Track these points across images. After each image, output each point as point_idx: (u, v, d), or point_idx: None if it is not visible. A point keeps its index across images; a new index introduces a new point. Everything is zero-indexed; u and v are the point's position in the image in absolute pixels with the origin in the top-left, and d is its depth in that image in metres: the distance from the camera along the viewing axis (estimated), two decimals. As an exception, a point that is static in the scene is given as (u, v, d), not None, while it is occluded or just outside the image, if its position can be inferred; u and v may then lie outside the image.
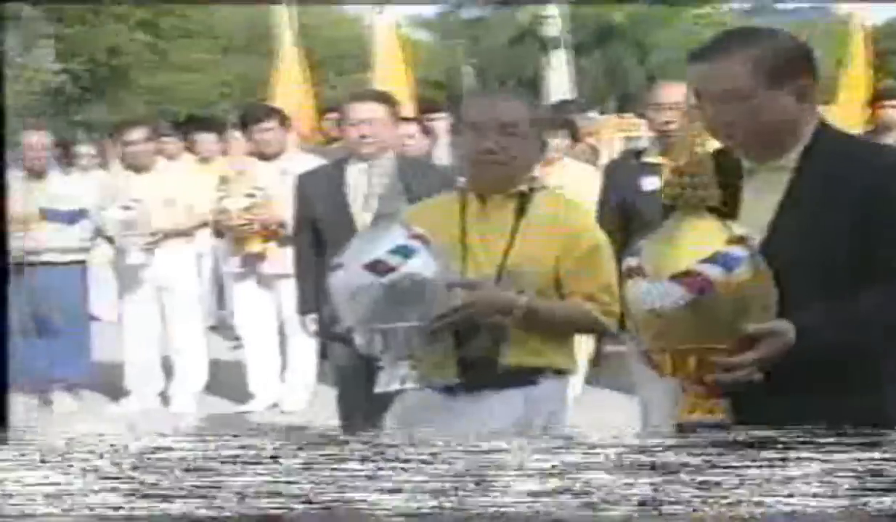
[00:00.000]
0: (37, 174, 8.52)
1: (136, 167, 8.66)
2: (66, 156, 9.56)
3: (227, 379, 8.77)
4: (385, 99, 6.01)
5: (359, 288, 3.25)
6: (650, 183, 5.34)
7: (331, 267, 3.39)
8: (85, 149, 11.87)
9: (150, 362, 8.67)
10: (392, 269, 3.22)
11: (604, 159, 9.25)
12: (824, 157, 2.90)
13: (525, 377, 3.59)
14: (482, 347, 3.53)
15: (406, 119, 7.36)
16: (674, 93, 5.64)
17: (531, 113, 3.68)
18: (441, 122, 9.02)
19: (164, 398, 8.65)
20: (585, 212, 4.09)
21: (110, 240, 8.61)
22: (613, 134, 10.07)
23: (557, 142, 7.73)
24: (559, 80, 24.00)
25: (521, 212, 3.63)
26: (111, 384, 8.75)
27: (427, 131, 8.20)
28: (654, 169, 5.44)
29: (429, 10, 40.62)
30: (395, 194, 3.69)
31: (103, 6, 29.88)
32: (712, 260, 2.63)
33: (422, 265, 3.25)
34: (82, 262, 8.81)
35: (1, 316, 1.66)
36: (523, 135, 3.63)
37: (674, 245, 2.70)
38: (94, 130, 21.66)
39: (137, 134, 8.83)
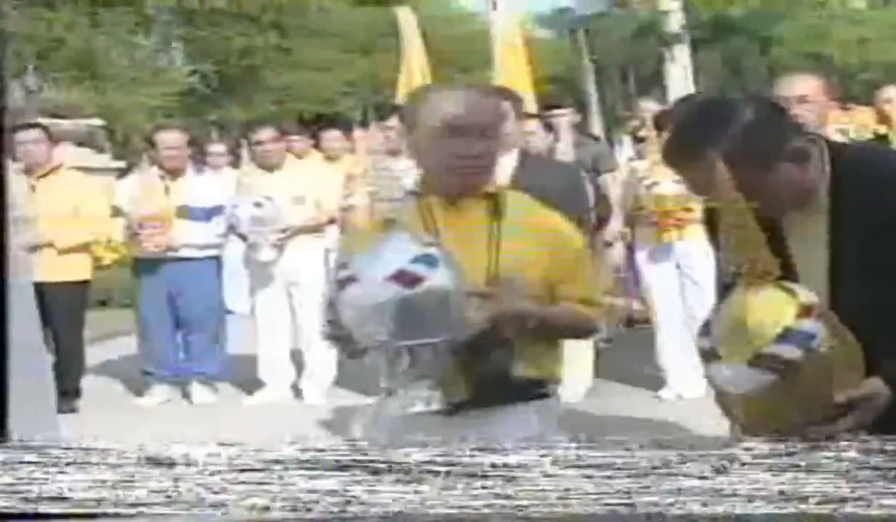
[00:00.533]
0: (172, 173, 8.65)
1: (267, 165, 8.83)
2: (199, 155, 9.68)
3: (354, 372, 8.86)
4: (507, 95, 5.87)
5: (383, 302, 2.94)
6: None
7: (340, 281, 3.09)
8: (217, 148, 12.05)
9: (281, 355, 8.80)
10: (419, 280, 2.93)
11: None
12: (850, 182, 2.78)
13: (535, 390, 3.38)
14: (496, 361, 3.25)
15: (528, 115, 7.35)
16: (797, 86, 5.45)
17: (515, 111, 3.39)
18: (563, 118, 9.03)
19: (297, 390, 8.75)
20: (556, 215, 3.68)
21: (243, 236, 8.72)
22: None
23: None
24: (680, 74, 23.71)
25: (496, 214, 3.33)
26: (246, 376, 8.88)
27: (549, 127, 8.20)
28: None
29: (549, 7, 40.50)
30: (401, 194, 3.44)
31: (232, 7, 30.24)
32: (786, 339, 2.48)
33: (445, 275, 2.97)
34: (217, 258, 8.92)
35: (1, 323, 1.52)
36: (503, 136, 3.43)
37: (744, 323, 2.55)
38: (226, 129, 21.96)
39: (267, 133, 9.05)
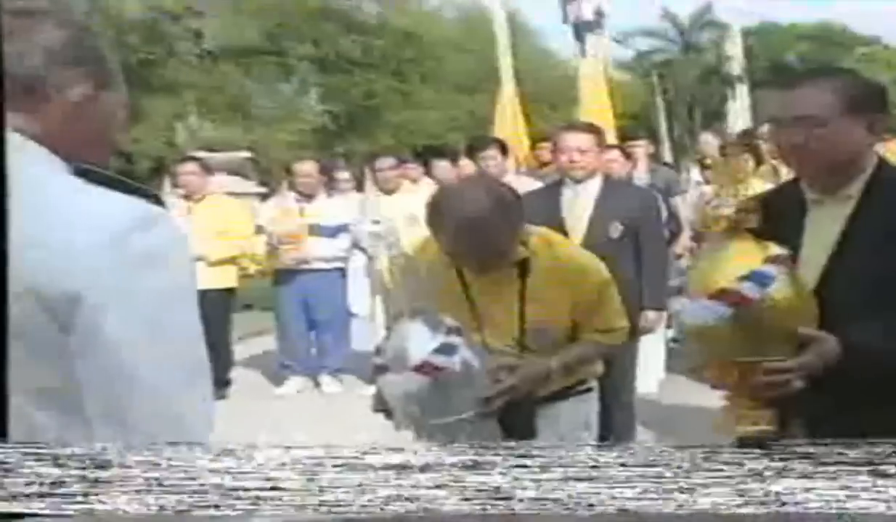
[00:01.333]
0: (306, 197, 8.68)
1: (385, 189, 8.87)
2: (329, 182, 9.74)
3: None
4: (592, 129, 5.84)
5: (411, 390, 2.92)
6: None
7: (376, 368, 3.07)
8: (344, 176, 12.08)
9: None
10: (440, 369, 2.89)
11: (783, 177, 8.93)
12: (885, 188, 2.66)
13: (576, 388, 3.40)
14: (526, 407, 3.19)
15: (610, 146, 7.26)
16: None
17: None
18: (639, 149, 8.93)
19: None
20: (580, 252, 3.63)
21: (364, 249, 8.84)
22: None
23: (744, 164, 7.61)
24: (740, 111, 23.37)
25: (523, 273, 3.22)
26: (367, 369, 8.84)
27: (627, 156, 8.16)
28: None
29: (627, 53, 40.24)
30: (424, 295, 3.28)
31: (360, 57, 30.49)
32: (748, 277, 2.43)
33: (465, 358, 2.92)
34: (342, 268, 8.93)
35: (1, 325, 1.48)
36: (514, 222, 3.16)
37: (714, 265, 2.53)
38: (351, 160, 22.09)
39: (386, 162, 9.09)
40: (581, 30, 14.07)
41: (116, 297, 1.51)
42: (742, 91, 21.22)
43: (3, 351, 1.55)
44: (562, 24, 14.68)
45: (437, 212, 3.14)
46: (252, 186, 18.12)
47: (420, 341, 2.94)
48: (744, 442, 2.35)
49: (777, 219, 2.71)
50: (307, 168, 8.91)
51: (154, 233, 1.55)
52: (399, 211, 8.49)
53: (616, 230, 5.47)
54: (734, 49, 21.69)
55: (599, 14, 14.47)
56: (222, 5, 28.10)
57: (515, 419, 3.12)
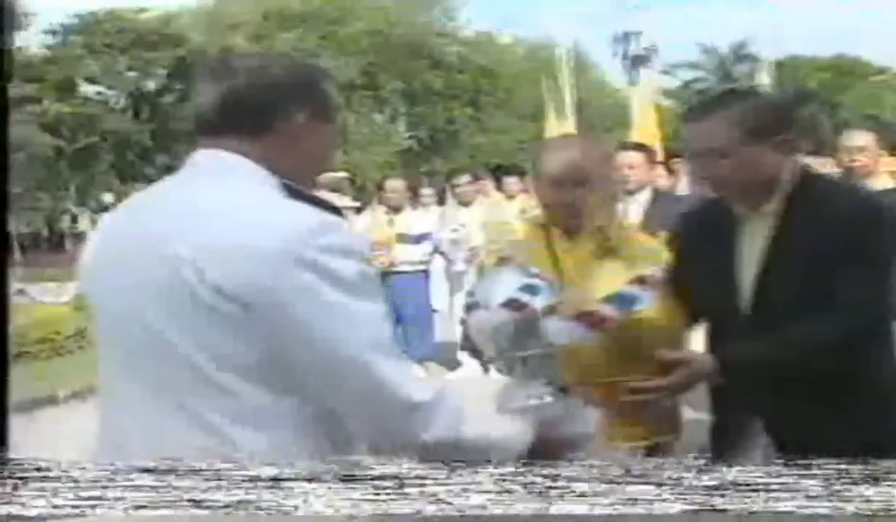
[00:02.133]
0: (395, 210, 8.66)
1: (463, 202, 9.03)
2: (414, 197, 9.72)
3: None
4: (642, 148, 5.86)
5: (498, 324, 2.78)
6: None
7: (467, 307, 2.98)
8: (427, 192, 12.03)
9: (473, 341, 8.72)
10: (524, 306, 2.75)
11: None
12: (804, 202, 2.36)
13: None
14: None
15: (658, 162, 7.12)
16: (857, 138, 5.52)
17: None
18: (682, 165, 8.76)
19: (486, 368, 8.61)
20: (649, 238, 3.52)
21: (444, 254, 8.89)
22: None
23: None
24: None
25: (605, 241, 3.00)
26: (448, 359, 8.76)
27: (671, 170, 8.10)
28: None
29: (673, 83, 39.81)
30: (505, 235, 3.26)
31: (442, 90, 30.55)
32: (611, 299, 2.32)
33: (547, 299, 2.75)
34: (426, 271, 8.90)
35: (2, 333, 1.61)
36: (598, 183, 3.00)
37: (584, 286, 2.42)
38: (433, 177, 22.05)
39: (464, 178, 9.34)
40: (633, 63, 13.87)
41: (307, 290, 1.52)
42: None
43: (5, 366, 1.61)
44: (615, 59, 14.49)
45: (546, 165, 3.01)
46: (348, 201, 18.15)
47: (508, 281, 2.81)
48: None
49: (712, 230, 2.52)
50: (396, 185, 8.94)
51: (334, 236, 1.56)
52: (474, 220, 8.57)
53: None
54: (765, 78, 21.32)
55: (649, 49, 14.28)
56: (328, 47, 28.32)
57: None
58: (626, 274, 2.59)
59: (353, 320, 1.55)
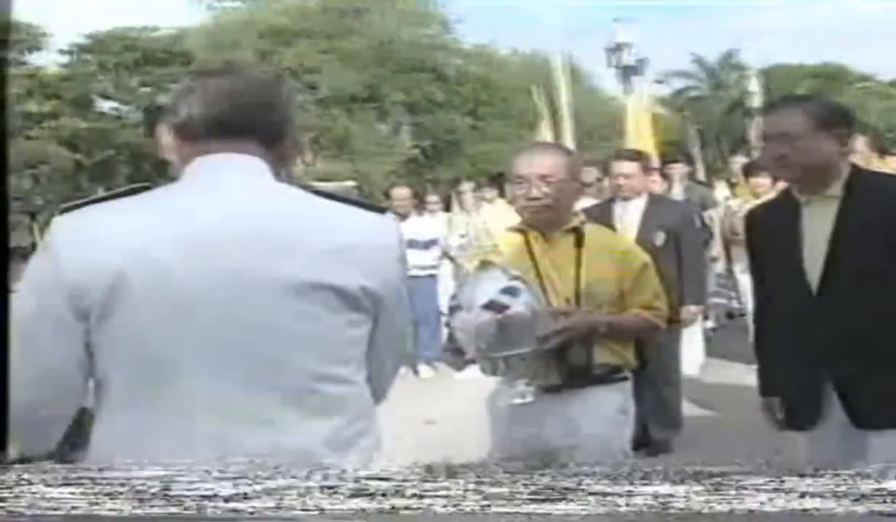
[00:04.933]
0: (402, 216, 8.68)
1: (467, 209, 9.12)
2: (420, 204, 9.77)
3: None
4: (637, 156, 5.93)
5: (480, 325, 2.89)
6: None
7: (450, 309, 3.08)
8: (432, 198, 12.09)
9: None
10: (505, 307, 2.88)
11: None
12: (861, 191, 2.72)
13: (614, 375, 3.20)
14: (578, 353, 3.11)
15: (652, 169, 7.20)
16: (859, 144, 5.56)
17: (565, 162, 3.18)
18: (676, 170, 8.86)
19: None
20: (627, 238, 3.70)
21: (451, 259, 8.91)
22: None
23: (763, 181, 7.56)
24: (761, 137, 23.05)
25: (579, 243, 3.18)
26: (457, 359, 8.83)
27: (665, 176, 8.17)
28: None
29: (666, 91, 39.82)
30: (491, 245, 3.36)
31: (443, 101, 30.57)
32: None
33: (526, 301, 2.90)
34: (434, 275, 8.94)
35: (2, 332, 1.57)
36: (559, 182, 3.13)
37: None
38: (437, 185, 22.16)
39: (466, 186, 9.48)
40: (626, 73, 13.96)
41: (395, 288, 1.75)
42: (762, 120, 20.95)
43: (4, 369, 1.54)
44: (609, 69, 14.56)
45: (516, 167, 3.20)
46: (358, 209, 18.22)
47: (489, 284, 2.94)
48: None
49: (777, 220, 2.82)
50: (402, 193, 8.98)
51: (397, 237, 1.78)
52: (478, 225, 8.55)
53: (660, 238, 5.47)
54: (754, 86, 21.39)
55: (641, 60, 14.38)
56: (332, 61, 28.39)
57: (572, 353, 3.11)
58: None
59: (406, 308, 1.87)
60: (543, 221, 3.19)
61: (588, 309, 3.12)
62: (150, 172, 29.18)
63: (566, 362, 3.09)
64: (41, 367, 1.60)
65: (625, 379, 3.25)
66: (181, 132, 1.72)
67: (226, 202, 1.64)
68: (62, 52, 27.57)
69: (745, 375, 7.83)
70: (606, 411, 3.19)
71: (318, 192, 1.74)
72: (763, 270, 2.96)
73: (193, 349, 1.59)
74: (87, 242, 1.60)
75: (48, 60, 26.36)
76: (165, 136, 1.85)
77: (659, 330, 3.30)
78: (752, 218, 3.10)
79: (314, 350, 1.64)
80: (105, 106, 29.16)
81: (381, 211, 1.79)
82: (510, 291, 2.90)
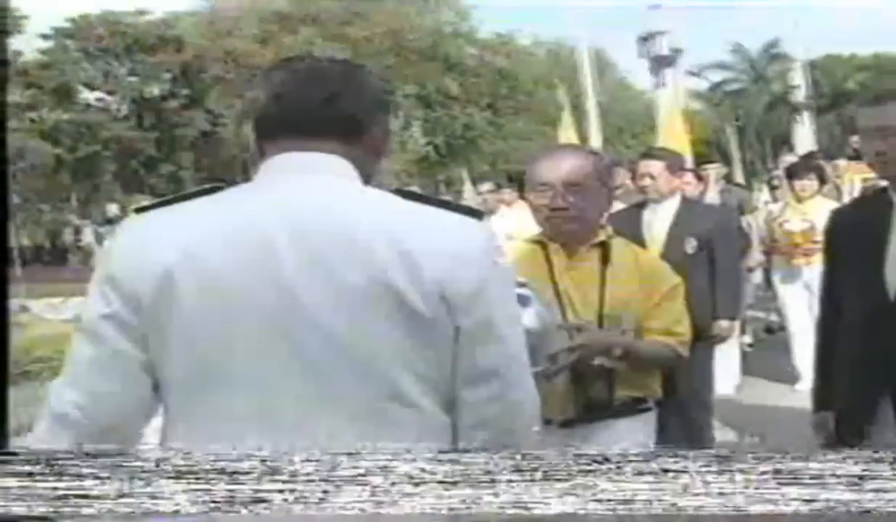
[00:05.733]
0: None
1: (486, 210, 8.87)
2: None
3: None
4: (666, 155, 5.86)
5: None
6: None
7: None
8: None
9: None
10: None
11: (845, 197, 8.77)
12: None
13: (637, 406, 3.08)
14: (599, 386, 2.99)
15: (685, 169, 7.19)
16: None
17: (595, 167, 3.04)
18: (712, 171, 8.85)
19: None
20: (655, 257, 3.51)
21: None
22: (853, 176, 9.55)
23: (808, 183, 7.56)
24: (806, 135, 23.01)
25: (605, 260, 3.06)
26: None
27: (699, 177, 8.13)
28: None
29: (701, 84, 39.75)
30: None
31: (459, 94, 30.64)
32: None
33: (536, 312, 2.74)
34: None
35: (3, 331, 1.68)
36: (588, 191, 3.02)
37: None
38: (451, 185, 22.18)
39: (487, 186, 9.36)
40: (658, 64, 13.98)
41: (496, 292, 1.70)
42: (807, 117, 20.89)
43: (4, 367, 1.62)
44: (640, 60, 14.58)
45: (537, 172, 3.05)
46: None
47: None
48: None
49: (865, 220, 2.84)
50: None
51: (480, 242, 1.72)
52: (497, 229, 8.51)
53: (691, 246, 5.44)
54: (799, 79, 21.38)
55: (675, 50, 14.39)
56: (339, 51, 28.51)
57: (591, 385, 2.99)
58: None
59: (515, 321, 1.78)
60: (568, 234, 3.07)
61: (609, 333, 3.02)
62: (137, 170, 29.38)
63: (584, 394, 3.00)
64: (105, 364, 1.70)
65: (648, 409, 3.14)
66: (256, 130, 1.78)
67: (283, 202, 1.66)
68: (42, 36, 27.75)
69: (785, 395, 7.87)
70: (625, 445, 3.12)
71: (403, 194, 1.74)
72: (837, 274, 2.98)
73: (241, 356, 1.63)
74: (139, 244, 1.68)
75: (26, 46, 26.52)
76: (249, 134, 1.88)
77: (681, 358, 3.17)
78: (837, 216, 3.13)
79: (376, 364, 1.64)
80: (90, 96, 29.33)
81: (474, 213, 1.76)
82: (520, 300, 2.86)
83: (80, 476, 1.46)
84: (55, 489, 1.44)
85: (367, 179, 1.77)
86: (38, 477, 1.46)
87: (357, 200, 1.69)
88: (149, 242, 1.67)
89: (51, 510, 1.44)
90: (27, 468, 1.46)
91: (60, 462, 1.47)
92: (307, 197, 1.67)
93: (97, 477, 1.45)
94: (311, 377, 1.61)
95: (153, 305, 1.64)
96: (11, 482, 1.45)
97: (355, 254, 1.61)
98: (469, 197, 10.26)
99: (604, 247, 3.09)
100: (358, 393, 1.62)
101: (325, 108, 1.73)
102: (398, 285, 1.61)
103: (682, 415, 5.29)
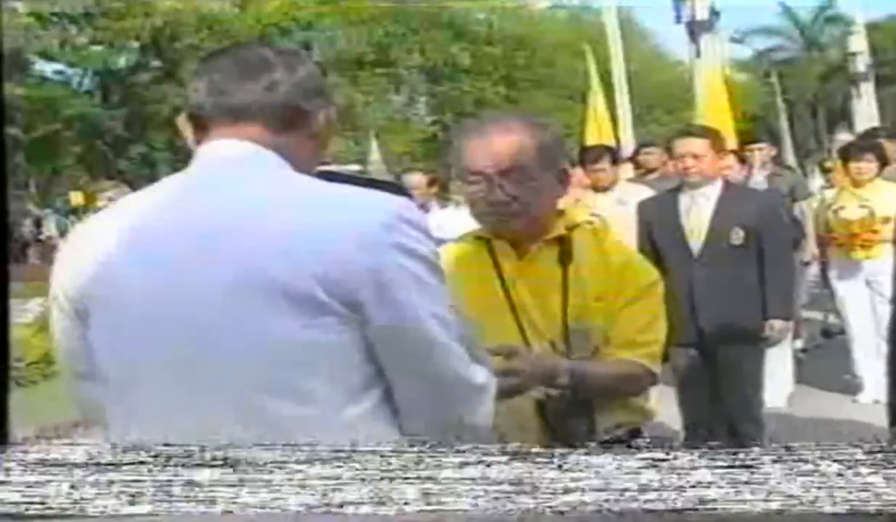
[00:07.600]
0: (420, 208, 8.67)
1: None
2: (442, 193, 9.67)
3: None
4: (707, 133, 5.87)
5: None
6: None
7: None
8: (455, 186, 12.12)
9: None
10: None
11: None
12: None
13: (626, 429, 2.73)
14: (571, 410, 2.64)
15: (728, 150, 7.17)
16: None
17: (539, 145, 2.64)
18: (758, 152, 8.84)
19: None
20: (627, 248, 3.10)
21: None
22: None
23: (866, 165, 7.55)
24: (866, 109, 22.94)
25: (565, 258, 2.72)
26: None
27: (742, 160, 8.12)
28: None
29: (745, 52, 39.69)
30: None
31: (470, 65, 30.62)
32: None
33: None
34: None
35: (3, 331, 1.87)
36: (533, 176, 2.64)
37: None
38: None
39: None
40: (696, 30, 13.96)
41: (403, 274, 1.78)
42: (868, 89, 20.82)
43: (4, 356, 1.83)
44: (676, 25, 14.55)
45: (466, 157, 2.69)
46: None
47: None
48: None
49: None
50: (416, 180, 8.82)
51: (416, 217, 1.84)
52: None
53: (738, 236, 5.44)
54: (859, 45, 21.28)
55: (714, 13, 14.36)
56: (331, 17, 28.49)
57: (569, 417, 2.63)
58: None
59: (436, 301, 1.82)
60: (514, 232, 2.74)
61: (579, 353, 2.68)
62: (103, 152, 29.42)
63: (560, 423, 2.65)
64: (62, 356, 2.00)
65: (638, 433, 2.79)
66: (190, 118, 1.95)
67: (190, 197, 1.84)
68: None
69: (843, 405, 7.86)
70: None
71: (331, 176, 1.90)
72: None
73: (147, 354, 1.82)
74: (74, 243, 1.96)
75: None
76: (183, 123, 2.04)
77: (653, 376, 2.79)
78: None
79: (264, 359, 1.76)
80: (46, 68, 29.35)
81: (400, 191, 1.90)
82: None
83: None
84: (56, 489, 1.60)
85: (306, 166, 1.91)
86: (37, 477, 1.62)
87: (270, 188, 1.83)
88: (79, 243, 1.94)
89: (51, 509, 1.58)
90: (27, 467, 1.63)
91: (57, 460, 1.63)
92: (220, 188, 1.83)
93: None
94: (197, 377, 1.78)
95: (81, 305, 1.88)
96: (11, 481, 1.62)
97: (243, 246, 1.74)
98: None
99: (562, 242, 2.76)
100: (237, 389, 1.76)
101: (264, 96, 1.89)
102: (280, 273, 1.72)
103: (730, 430, 5.29)
